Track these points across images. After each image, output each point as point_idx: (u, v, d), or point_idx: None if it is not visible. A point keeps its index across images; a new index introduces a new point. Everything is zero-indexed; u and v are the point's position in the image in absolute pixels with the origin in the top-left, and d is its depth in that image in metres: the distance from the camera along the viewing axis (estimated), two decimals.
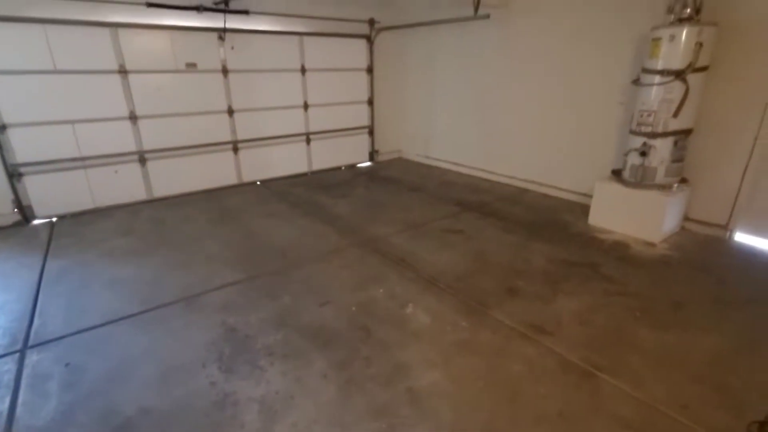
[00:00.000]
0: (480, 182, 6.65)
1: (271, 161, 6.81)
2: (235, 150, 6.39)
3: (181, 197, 5.91)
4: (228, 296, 3.34)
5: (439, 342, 2.77)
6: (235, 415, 2.19)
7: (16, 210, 4.83)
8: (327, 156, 7.44)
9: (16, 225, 4.84)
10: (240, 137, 6.37)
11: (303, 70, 6.75)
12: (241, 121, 6.32)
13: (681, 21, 3.93)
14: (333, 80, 7.12)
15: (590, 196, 4.88)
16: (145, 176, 5.67)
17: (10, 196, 4.79)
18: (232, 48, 5.96)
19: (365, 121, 7.79)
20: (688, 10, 3.90)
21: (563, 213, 5.22)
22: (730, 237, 4.34)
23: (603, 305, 3.19)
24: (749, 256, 4.01)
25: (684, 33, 3.85)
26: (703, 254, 4.05)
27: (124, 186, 5.53)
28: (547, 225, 4.83)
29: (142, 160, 5.60)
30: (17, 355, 2.64)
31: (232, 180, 6.48)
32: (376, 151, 8.04)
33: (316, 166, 7.35)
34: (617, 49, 4.83)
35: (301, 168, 7.20)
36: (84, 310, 3.15)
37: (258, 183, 6.68)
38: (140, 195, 5.68)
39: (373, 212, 5.34)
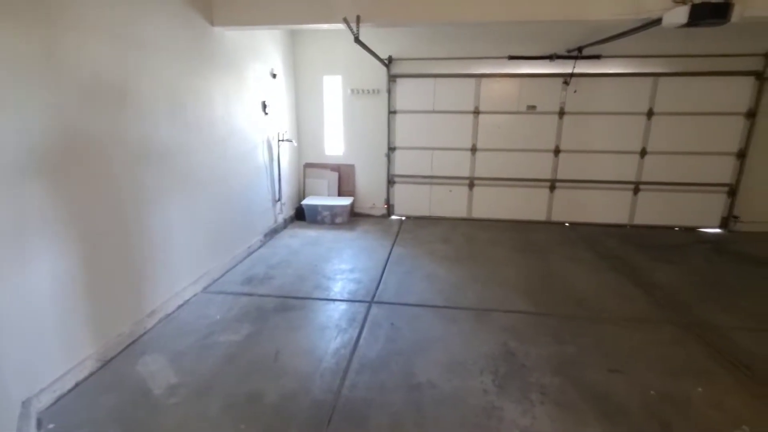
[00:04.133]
0: None
1: (586, 205, 6.48)
2: (552, 188, 6.50)
3: (492, 221, 6.59)
4: (514, 321, 3.49)
5: None
6: (497, 428, 2.31)
7: (385, 206, 6.82)
8: (657, 211, 6.35)
9: (383, 216, 6.84)
10: (560, 177, 6.43)
11: (650, 114, 6.05)
12: (564, 162, 6.37)
13: None
14: (687, 125, 6.01)
15: None
16: (470, 198, 6.69)
17: (384, 196, 6.81)
18: (575, 91, 6.09)
19: (726, 178, 6.13)
20: None
21: None
22: None
23: None
24: None
25: None
26: None
27: (452, 203, 6.73)
28: None
29: (471, 185, 6.63)
30: (367, 304, 3.78)
31: (541, 217, 6.62)
32: (736, 218, 6.17)
33: (640, 220, 6.42)
34: None
35: (620, 219, 6.47)
36: (408, 289, 4.11)
37: (566, 225, 6.52)
38: (461, 213, 6.75)
39: (712, 293, 4.17)
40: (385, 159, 6.66)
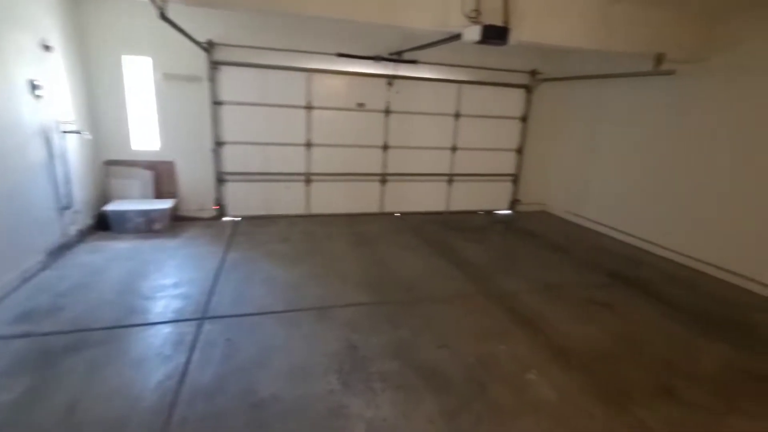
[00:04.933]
0: (642, 254, 5.75)
1: (412, 196, 7.20)
2: (383, 182, 6.97)
3: (329, 216, 6.68)
4: (353, 315, 3.60)
5: (561, 423, 2.47)
6: (344, 427, 2.33)
7: (216, 207, 6.17)
8: (466, 198, 7.51)
9: (213, 219, 6.17)
10: (389, 171, 6.95)
11: (457, 115, 7.06)
12: (392, 157, 6.90)
13: None
14: (484, 126, 7.25)
15: None
16: (307, 194, 6.62)
17: (214, 196, 6.15)
18: (397, 92, 6.63)
19: (510, 169, 7.65)
20: None
21: (756, 312, 4.16)
22: None
23: None
24: None
25: None
26: None
27: (290, 200, 6.56)
28: (729, 322, 3.91)
29: (308, 181, 6.57)
30: (197, 322, 3.33)
31: (374, 209, 7.05)
32: (518, 201, 7.78)
33: (454, 206, 7.48)
34: None
35: (439, 207, 7.41)
36: (245, 297, 3.79)
37: (396, 215, 7.10)
38: (300, 209, 6.64)
39: (506, 264, 5.14)
40: (212, 154, 6.00)
